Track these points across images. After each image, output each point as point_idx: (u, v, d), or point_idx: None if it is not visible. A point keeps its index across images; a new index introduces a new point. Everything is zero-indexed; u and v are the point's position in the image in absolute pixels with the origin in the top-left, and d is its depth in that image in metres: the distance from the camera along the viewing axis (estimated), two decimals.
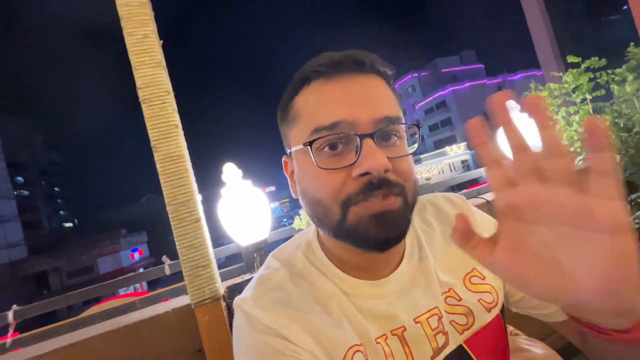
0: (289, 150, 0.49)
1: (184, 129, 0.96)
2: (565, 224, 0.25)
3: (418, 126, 0.46)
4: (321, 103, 0.43)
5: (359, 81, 0.44)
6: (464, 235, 0.29)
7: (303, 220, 1.37)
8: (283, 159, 0.52)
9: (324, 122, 0.42)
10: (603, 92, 1.62)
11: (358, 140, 0.41)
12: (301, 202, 0.48)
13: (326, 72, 0.44)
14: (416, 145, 0.46)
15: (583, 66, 1.64)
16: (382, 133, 0.42)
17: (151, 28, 0.92)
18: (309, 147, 0.42)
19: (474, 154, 0.29)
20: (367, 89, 0.44)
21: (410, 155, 0.45)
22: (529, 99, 0.25)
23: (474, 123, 0.28)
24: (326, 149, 0.42)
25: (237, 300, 0.47)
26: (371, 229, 0.40)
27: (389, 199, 0.41)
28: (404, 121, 0.45)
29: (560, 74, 1.79)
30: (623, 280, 0.24)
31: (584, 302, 0.26)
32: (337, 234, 0.43)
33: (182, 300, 1.01)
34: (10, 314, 1.05)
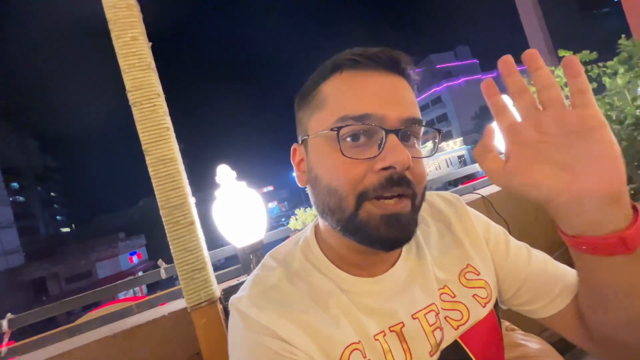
0: (304, 137, 0.48)
1: (175, 131, 0.95)
2: (564, 131, 0.33)
3: (439, 131, 0.48)
4: (352, 93, 0.43)
5: (390, 79, 0.44)
6: (486, 148, 0.38)
7: (299, 221, 1.36)
8: (293, 147, 0.52)
9: (352, 112, 0.41)
10: (595, 85, 1.63)
11: (383, 134, 0.41)
12: (311, 191, 0.48)
13: (361, 63, 0.43)
14: (430, 147, 0.48)
15: None
16: (405, 133, 0.43)
17: (139, 30, 0.91)
18: (336, 133, 0.41)
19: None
20: (399, 89, 0.44)
21: (423, 160, 0.45)
22: (529, 53, 0.34)
23: (505, 59, 0.36)
24: (348, 139, 0.42)
25: (233, 299, 0.46)
26: (381, 229, 0.41)
27: (401, 202, 0.41)
28: (423, 124, 0.45)
29: (553, 68, 1.79)
30: (612, 160, 0.32)
31: (585, 190, 0.33)
32: (346, 227, 0.43)
33: (179, 304, 1.01)
34: (4, 323, 1.04)
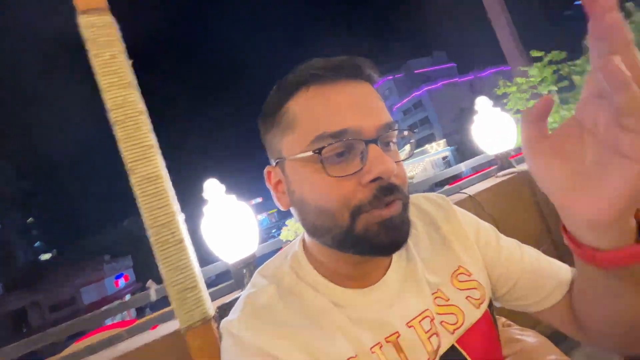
0: (278, 159, 0.47)
1: (161, 147, 0.94)
2: (611, 149, 0.26)
3: (413, 131, 0.48)
4: (324, 109, 0.42)
5: (357, 87, 0.44)
6: (541, 116, 0.30)
7: (291, 231, 1.36)
8: (266, 169, 0.50)
9: (329, 129, 0.41)
10: (567, 82, 1.71)
11: (364, 146, 0.41)
12: (297, 213, 0.47)
13: (326, 76, 0.43)
14: (407, 149, 0.48)
15: (545, 59, 1.73)
16: (383, 140, 0.43)
17: (118, 48, 0.89)
18: (318, 154, 0.41)
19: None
20: (367, 96, 0.44)
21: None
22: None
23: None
24: (330, 157, 0.42)
25: (224, 323, 0.45)
26: (381, 235, 0.41)
27: (393, 206, 0.41)
28: (397, 127, 0.45)
29: (526, 68, 1.87)
30: (619, 197, 0.26)
31: (571, 207, 0.29)
32: (344, 242, 0.42)
33: (171, 326, 0.98)
34: None
